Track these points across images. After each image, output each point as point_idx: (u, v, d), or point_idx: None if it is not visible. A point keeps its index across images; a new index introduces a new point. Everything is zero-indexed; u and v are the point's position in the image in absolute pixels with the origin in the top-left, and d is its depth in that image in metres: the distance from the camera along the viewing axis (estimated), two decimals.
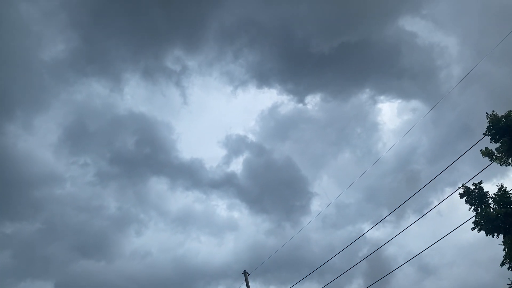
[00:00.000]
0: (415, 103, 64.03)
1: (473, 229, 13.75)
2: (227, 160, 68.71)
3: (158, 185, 67.01)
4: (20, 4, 55.11)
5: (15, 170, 56.89)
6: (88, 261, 60.77)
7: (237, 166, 69.67)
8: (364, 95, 64.44)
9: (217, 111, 76.50)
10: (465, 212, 14.16)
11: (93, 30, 61.42)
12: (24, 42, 56.49)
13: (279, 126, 67.97)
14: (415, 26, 61.50)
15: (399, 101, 65.23)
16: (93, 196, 62.34)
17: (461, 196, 14.17)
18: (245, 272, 19.77)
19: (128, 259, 61.72)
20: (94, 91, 64.57)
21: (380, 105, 74.53)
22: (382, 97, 67.30)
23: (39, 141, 64.00)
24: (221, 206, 71.29)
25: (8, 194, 58.10)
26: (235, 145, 67.83)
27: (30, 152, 60.70)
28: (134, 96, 69.89)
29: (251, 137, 69.04)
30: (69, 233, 60.95)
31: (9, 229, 58.19)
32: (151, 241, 65.22)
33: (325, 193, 63.61)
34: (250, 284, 19.63)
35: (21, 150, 58.38)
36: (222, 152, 76.88)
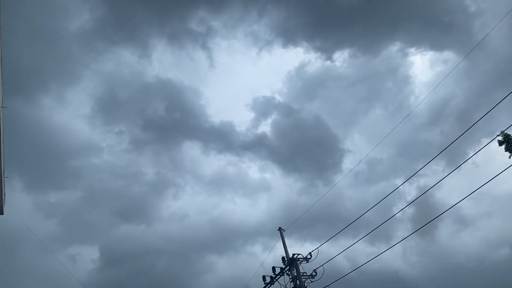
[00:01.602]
0: (448, 54, 61.44)
1: None
2: (256, 123, 68.79)
3: (191, 150, 68.25)
4: None
5: (53, 142, 59.03)
6: (129, 225, 63.39)
7: (266, 128, 69.80)
8: (394, 48, 62.25)
9: (244, 74, 76.03)
10: (503, 163, 13.70)
11: None
12: (50, 14, 57.09)
13: (307, 86, 67.02)
14: None
15: (432, 52, 62.79)
16: (130, 163, 64.27)
17: (500, 143, 13.67)
18: (280, 229, 20.10)
19: (166, 221, 64.00)
20: (122, 59, 65.17)
21: (411, 58, 72.06)
22: (413, 50, 64.87)
23: (73, 113, 65.78)
24: (253, 168, 72.17)
25: (49, 165, 60.59)
26: (263, 108, 67.64)
27: (66, 124, 62.63)
28: (161, 61, 70.13)
29: (279, 98, 68.54)
30: (109, 200, 63.46)
31: (53, 198, 61.10)
32: (188, 204, 67.22)
33: (358, 149, 63.11)
34: (286, 240, 20.01)
35: (57, 123, 60.28)
36: (250, 115, 77.05)
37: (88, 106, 65.19)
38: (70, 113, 65.16)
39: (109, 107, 64.84)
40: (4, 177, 16.42)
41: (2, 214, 17.79)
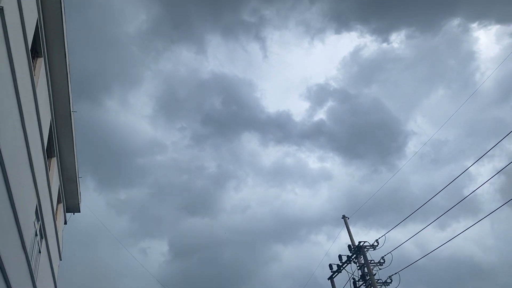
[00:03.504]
0: None
1: None
2: (312, 112, 68.05)
3: (250, 142, 69.14)
4: None
5: (120, 142, 62.23)
6: (194, 219, 65.46)
7: (323, 115, 68.82)
8: (455, 24, 58.89)
9: (297, 64, 75.32)
10: None
11: None
12: (109, 18, 59.81)
13: (363, 70, 65.20)
14: None
15: (497, 26, 58.75)
16: (192, 158, 66.32)
17: None
18: (344, 217, 19.71)
19: (229, 213, 65.43)
20: (179, 58, 66.96)
21: (474, 34, 67.86)
22: (475, 25, 60.98)
23: (137, 114, 68.78)
24: (312, 158, 71.64)
25: (117, 165, 63.98)
26: (318, 96, 66.70)
27: (131, 125, 65.68)
28: (217, 56, 71.28)
29: (334, 84, 67.23)
30: (174, 194, 65.89)
31: (123, 196, 64.45)
32: (249, 195, 68.27)
33: (423, 131, 60.48)
34: (350, 228, 19.60)
35: (122, 124, 63.37)
36: (305, 105, 76.28)
37: (150, 107, 67.86)
38: (134, 114, 68.22)
39: (170, 106, 67.15)
40: (78, 177, 17.52)
41: (79, 211, 19.03)
